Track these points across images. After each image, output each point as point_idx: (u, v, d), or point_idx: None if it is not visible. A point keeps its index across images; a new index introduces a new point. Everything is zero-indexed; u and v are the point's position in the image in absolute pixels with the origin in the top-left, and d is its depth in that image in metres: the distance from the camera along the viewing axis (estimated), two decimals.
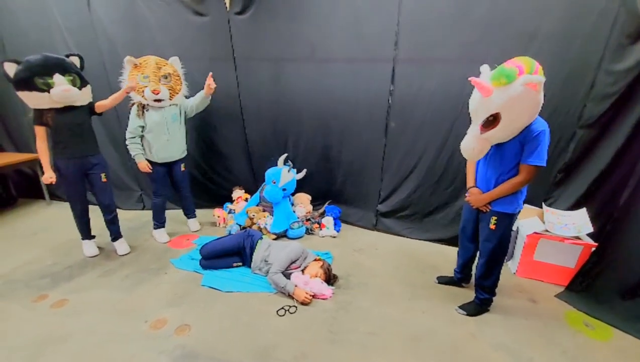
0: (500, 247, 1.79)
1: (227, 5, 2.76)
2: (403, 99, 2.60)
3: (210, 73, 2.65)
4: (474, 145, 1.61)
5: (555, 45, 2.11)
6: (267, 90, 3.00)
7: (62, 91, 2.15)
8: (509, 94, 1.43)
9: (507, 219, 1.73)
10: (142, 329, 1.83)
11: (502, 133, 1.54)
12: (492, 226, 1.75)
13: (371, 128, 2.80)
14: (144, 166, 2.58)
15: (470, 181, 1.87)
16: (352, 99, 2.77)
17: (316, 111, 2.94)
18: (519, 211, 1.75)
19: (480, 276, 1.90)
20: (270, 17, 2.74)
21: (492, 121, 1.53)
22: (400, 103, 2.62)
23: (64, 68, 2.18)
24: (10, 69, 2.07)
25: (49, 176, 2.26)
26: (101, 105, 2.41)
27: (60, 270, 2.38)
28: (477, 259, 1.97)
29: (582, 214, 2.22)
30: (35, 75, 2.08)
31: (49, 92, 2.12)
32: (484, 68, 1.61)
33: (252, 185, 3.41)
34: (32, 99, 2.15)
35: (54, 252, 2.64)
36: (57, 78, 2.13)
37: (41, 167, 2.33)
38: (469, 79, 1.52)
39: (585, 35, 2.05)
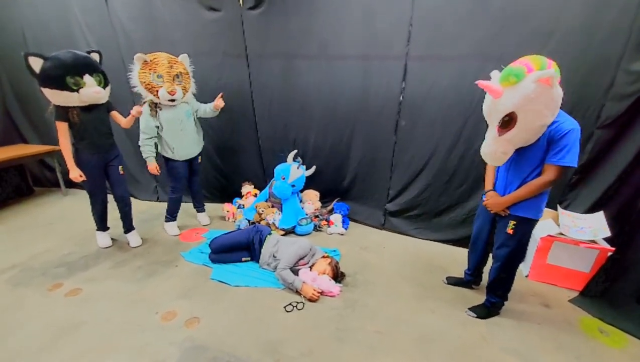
0: (516, 253, 1.73)
1: (241, 0, 2.77)
2: (414, 97, 2.56)
3: (221, 93, 2.71)
4: (494, 148, 1.55)
5: (574, 42, 2.04)
6: (278, 86, 3.00)
7: (93, 93, 2.16)
8: (522, 92, 1.39)
9: (527, 225, 1.67)
10: (153, 320, 1.87)
11: (524, 134, 1.49)
12: (510, 231, 1.69)
13: (381, 126, 2.77)
14: (153, 168, 2.62)
15: (488, 184, 1.83)
16: (363, 96, 2.74)
17: (326, 108, 2.93)
18: (540, 218, 1.67)
19: (493, 280, 1.86)
20: (282, 13, 2.73)
21: (508, 122, 1.49)
22: (411, 101, 2.58)
23: (92, 68, 2.19)
24: (36, 63, 2.02)
25: (78, 175, 2.28)
26: (116, 118, 2.46)
27: (75, 259, 2.45)
28: (490, 262, 1.92)
29: (599, 218, 2.15)
30: (67, 75, 2.06)
31: (78, 91, 2.12)
32: (494, 74, 1.58)
33: (262, 181, 3.43)
34: (60, 97, 2.12)
35: (70, 242, 2.71)
36: (87, 79, 2.14)
37: (59, 159, 2.35)
38: (477, 82, 1.49)
39: (605, 32, 1.98)
